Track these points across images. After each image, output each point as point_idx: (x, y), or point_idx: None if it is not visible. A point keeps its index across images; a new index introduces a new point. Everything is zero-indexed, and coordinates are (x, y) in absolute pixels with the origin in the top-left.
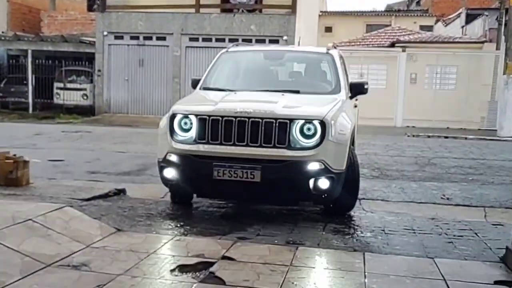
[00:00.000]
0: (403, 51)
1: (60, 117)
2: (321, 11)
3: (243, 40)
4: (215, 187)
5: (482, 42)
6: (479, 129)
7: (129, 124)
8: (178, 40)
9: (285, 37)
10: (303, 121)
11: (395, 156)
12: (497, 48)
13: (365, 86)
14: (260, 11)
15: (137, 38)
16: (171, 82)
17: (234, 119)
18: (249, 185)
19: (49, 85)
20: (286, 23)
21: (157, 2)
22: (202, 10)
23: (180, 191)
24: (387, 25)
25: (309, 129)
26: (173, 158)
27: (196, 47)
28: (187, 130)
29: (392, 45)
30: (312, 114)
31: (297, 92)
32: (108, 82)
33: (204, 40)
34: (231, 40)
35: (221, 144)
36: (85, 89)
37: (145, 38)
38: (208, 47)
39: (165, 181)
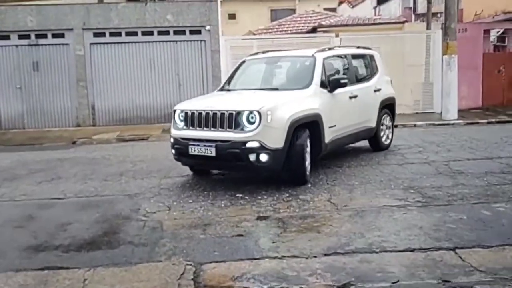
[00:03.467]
0: (337, 36)
1: None
2: None
3: (159, 32)
4: (191, 159)
5: (403, 22)
6: (416, 113)
7: (31, 142)
8: (80, 36)
9: (207, 27)
10: (248, 111)
11: (372, 161)
12: (428, 28)
13: (342, 81)
14: None
15: (28, 37)
16: (76, 86)
17: (203, 112)
18: (209, 158)
19: None
20: (207, 11)
21: None
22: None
23: (187, 164)
24: (291, 9)
25: (252, 117)
26: (172, 140)
27: (103, 43)
28: (181, 121)
29: (314, 30)
30: (253, 107)
31: (276, 89)
32: None
33: (112, 35)
34: (144, 34)
35: (195, 129)
36: None
37: (38, 36)
38: (117, 42)
39: (174, 158)
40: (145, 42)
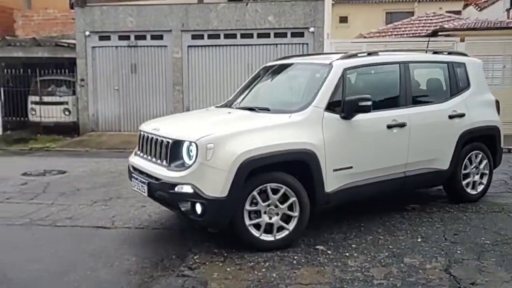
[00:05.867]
0: (462, 40)
1: (37, 140)
2: (334, 0)
3: (259, 35)
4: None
5: None
6: None
7: (123, 147)
8: (178, 38)
9: (311, 29)
10: (188, 142)
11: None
12: None
13: (361, 103)
14: None
15: (128, 38)
16: (172, 90)
17: (149, 136)
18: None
19: (23, 100)
20: (312, 11)
21: None
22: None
23: None
24: (409, 12)
25: (191, 150)
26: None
27: (201, 46)
28: (137, 144)
29: (434, 33)
30: (193, 136)
31: (267, 109)
32: (93, 93)
33: (210, 37)
34: (243, 36)
35: (139, 157)
36: (66, 103)
37: (137, 37)
38: (215, 45)
39: None
40: (244, 45)
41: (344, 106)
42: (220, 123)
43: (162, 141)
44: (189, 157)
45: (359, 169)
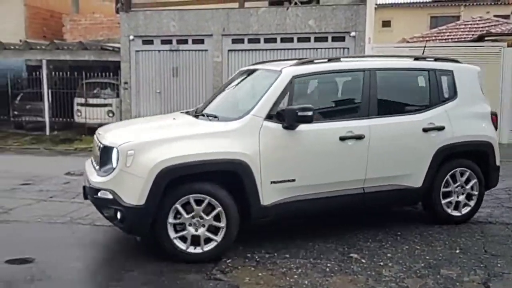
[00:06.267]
0: (509, 46)
1: (82, 140)
2: (376, 4)
3: (299, 39)
4: None
5: None
6: None
7: None
8: (218, 42)
9: (352, 33)
10: (114, 148)
11: None
12: None
13: (300, 113)
14: (318, 2)
15: (170, 42)
16: (212, 93)
17: (95, 141)
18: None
19: (70, 101)
20: (354, 15)
21: None
22: (247, 4)
23: None
24: (454, 16)
25: (114, 157)
26: None
27: (241, 50)
28: None
29: (480, 38)
30: (115, 142)
31: (215, 117)
32: (136, 96)
33: (250, 41)
34: (283, 40)
35: (90, 158)
36: (110, 105)
37: (179, 41)
38: (255, 49)
39: None
40: (284, 49)
41: (284, 115)
42: (153, 129)
43: (98, 145)
44: (114, 163)
45: (303, 182)
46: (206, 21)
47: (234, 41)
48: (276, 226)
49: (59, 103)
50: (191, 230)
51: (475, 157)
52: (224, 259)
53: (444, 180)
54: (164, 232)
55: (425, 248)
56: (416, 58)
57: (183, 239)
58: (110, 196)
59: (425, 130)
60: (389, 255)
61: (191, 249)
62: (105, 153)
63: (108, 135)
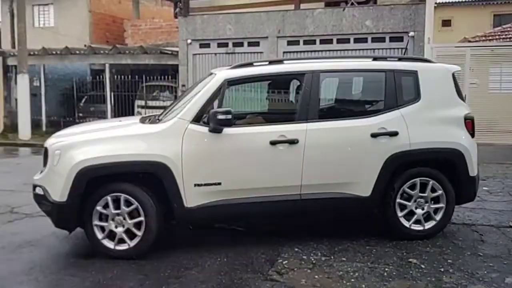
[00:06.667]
0: None
1: None
2: (436, 2)
3: (356, 40)
4: None
5: None
6: None
7: None
8: (274, 44)
9: (411, 33)
10: (47, 148)
11: None
12: None
13: (220, 116)
14: (375, 1)
15: (226, 45)
16: None
17: None
18: None
19: (131, 103)
20: (412, 14)
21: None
22: (302, 6)
23: None
24: None
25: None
26: None
27: (296, 51)
28: None
29: None
30: (48, 142)
31: (160, 120)
32: None
33: (306, 43)
34: (339, 41)
35: None
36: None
37: (235, 44)
38: (310, 51)
39: None
40: (340, 50)
41: (208, 119)
42: (89, 131)
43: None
44: (48, 162)
45: (230, 186)
46: (262, 23)
47: (290, 43)
48: (333, 229)
49: (121, 105)
50: (113, 227)
51: (442, 166)
52: (280, 260)
53: (401, 190)
54: (91, 232)
55: (488, 254)
56: (375, 59)
57: (112, 237)
58: (42, 192)
59: (374, 135)
60: (449, 261)
61: (119, 247)
62: (45, 153)
63: (52, 137)
